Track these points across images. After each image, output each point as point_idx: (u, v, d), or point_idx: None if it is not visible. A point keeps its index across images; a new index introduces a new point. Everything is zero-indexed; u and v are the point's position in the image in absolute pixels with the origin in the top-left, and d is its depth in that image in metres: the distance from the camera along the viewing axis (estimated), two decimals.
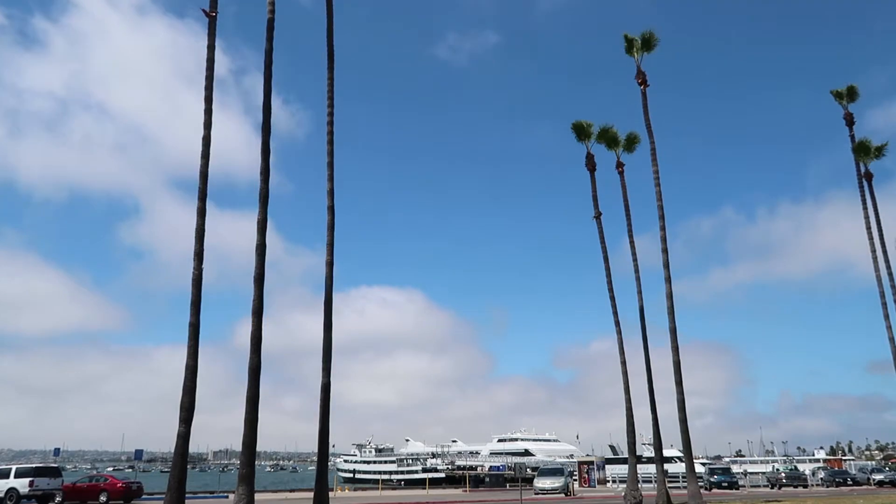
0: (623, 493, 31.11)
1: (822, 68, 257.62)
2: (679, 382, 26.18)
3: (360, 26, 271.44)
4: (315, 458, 23.60)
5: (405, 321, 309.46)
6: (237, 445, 21.57)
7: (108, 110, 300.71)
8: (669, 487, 28.16)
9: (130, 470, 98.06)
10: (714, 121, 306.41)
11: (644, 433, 51.31)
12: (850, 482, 55.49)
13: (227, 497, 41.40)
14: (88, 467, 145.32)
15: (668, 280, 27.28)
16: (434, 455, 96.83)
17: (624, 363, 30.18)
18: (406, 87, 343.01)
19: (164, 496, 18.13)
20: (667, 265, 27.40)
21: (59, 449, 55.80)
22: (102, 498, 32.06)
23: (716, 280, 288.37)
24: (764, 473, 61.26)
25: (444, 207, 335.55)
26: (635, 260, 30.92)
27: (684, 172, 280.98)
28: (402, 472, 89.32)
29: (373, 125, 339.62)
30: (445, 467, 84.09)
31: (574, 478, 53.81)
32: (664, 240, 27.78)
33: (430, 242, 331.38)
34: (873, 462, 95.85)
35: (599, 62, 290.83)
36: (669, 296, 27.09)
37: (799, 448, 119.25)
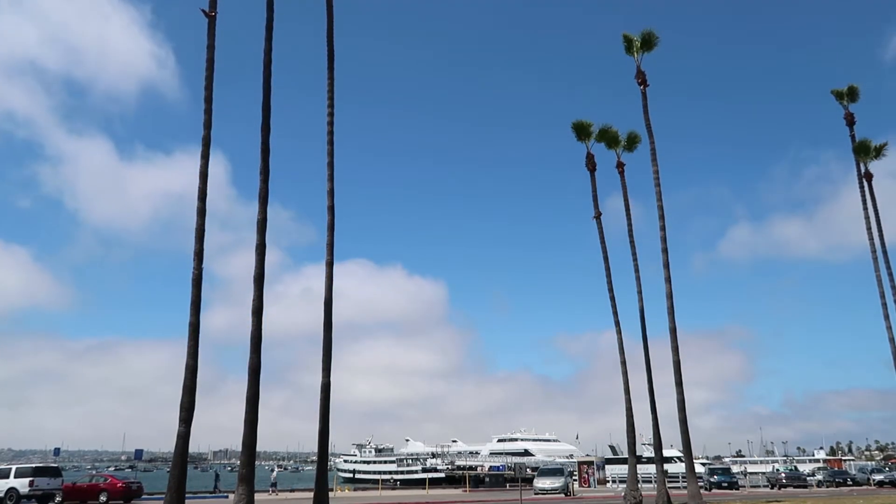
0: (623, 494, 31.11)
1: (824, 68, 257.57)
2: (679, 383, 26.19)
3: (361, 33, 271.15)
4: (315, 459, 23.60)
5: (400, 310, 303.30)
6: (237, 445, 21.58)
7: None
8: (669, 487, 28.17)
9: (130, 470, 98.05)
10: (714, 120, 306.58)
11: (644, 433, 51.34)
12: (850, 482, 55.53)
13: (227, 497, 41.42)
14: (88, 467, 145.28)
15: (669, 280, 27.29)
16: (434, 455, 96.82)
17: (624, 363, 30.20)
18: (405, 90, 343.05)
19: (164, 496, 18.13)
20: (667, 265, 27.41)
21: (59, 449, 55.88)
22: (102, 498, 32.04)
23: (721, 265, 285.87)
24: (764, 474, 61.27)
25: (443, 204, 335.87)
26: (635, 260, 30.99)
27: (684, 169, 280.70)
28: (401, 473, 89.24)
29: (372, 124, 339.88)
30: (445, 467, 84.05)
31: (574, 478, 53.80)
32: (664, 240, 27.80)
33: (424, 232, 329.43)
34: (873, 462, 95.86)
35: (599, 62, 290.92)
36: (669, 296, 27.11)
37: (799, 448, 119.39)
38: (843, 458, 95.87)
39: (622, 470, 50.10)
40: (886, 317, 33.71)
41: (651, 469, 44.72)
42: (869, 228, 35.02)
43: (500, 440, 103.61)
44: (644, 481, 42.00)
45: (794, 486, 51.98)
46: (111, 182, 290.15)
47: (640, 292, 30.18)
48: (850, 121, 36.89)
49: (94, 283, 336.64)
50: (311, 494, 20.97)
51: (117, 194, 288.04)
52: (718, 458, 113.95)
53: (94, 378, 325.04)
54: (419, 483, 75.40)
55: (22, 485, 30.72)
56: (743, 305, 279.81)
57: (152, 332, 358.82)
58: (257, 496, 19.63)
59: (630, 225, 31.10)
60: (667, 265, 27.41)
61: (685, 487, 28.34)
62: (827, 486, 52.91)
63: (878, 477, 54.88)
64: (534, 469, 52.53)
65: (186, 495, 18.53)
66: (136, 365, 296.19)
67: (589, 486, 56.81)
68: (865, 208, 35.28)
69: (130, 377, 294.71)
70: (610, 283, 31.15)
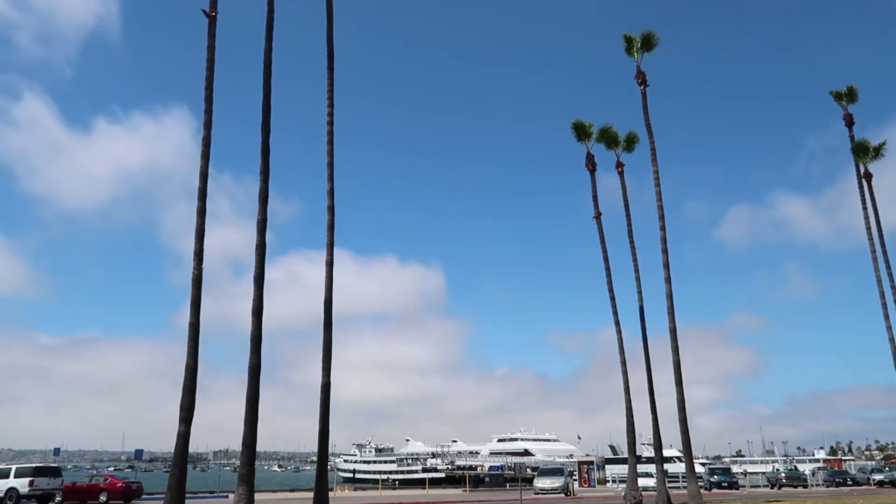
0: (623, 493, 31.12)
1: (824, 67, 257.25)
2: (679, 382, 26.18)
3: (358, 31, 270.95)
4: (315, 459, 23.60)
5: (396, 301, 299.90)
6: (236, 445, 21.61)
7: None
8: (669, 487, 28.18)
9: (130, 470, 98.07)
10: (714, 120, 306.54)
11: (644, 433, 51.38)
12: (850, 482, 55.53)
13: (227, 497, 41.41)
14: (88, 467, 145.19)
15: (668, 280, 27.29)
16: (434, 455, 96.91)
17: (624, 363, 30.19)
18: (407, 89, 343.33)
19: (164, 496, 18.13)
20: (667, 265, 27.41)
21: (59, 449, 55.79)
22: (102, 498, 32.05)
23: (719, 251, 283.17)
24: (764, 473, 61.35)
25: (442, 202, 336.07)
26: (635, 260, 30.98)
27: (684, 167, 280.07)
28: (402, 472, 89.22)
29: (371, 121, 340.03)
30: (445, 467, 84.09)
31: (574, 478, 53.81)
32: (664, 240, 27.80)
33: (422, 229, 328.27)
34: (873, 462, 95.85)
35: (599, 62, 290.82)
36: (669, 296, 27.11)
37: (799, 448, 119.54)
38: (843, 458, 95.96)
39: (622, 470, 50.12)
40: (886, 317, 33.73)
41: (651, 469, 44.69)
42: (868, 228, 35.04)
43: (500, 440, 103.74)
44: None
45: (794, 486, 52.01)
46: (61, 151, 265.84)
47: (640, 292, 30.23)
48: (850, 121, 36.92)
49: (59, 271, 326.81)
50: (311, 494, 20.97)
51: (68, 165, 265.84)
52: (718, 457, 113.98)
53: (77, 375, 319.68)
54: (419, 483, 75.42)
55: (22, 485, 30.71)
56: (744, 295, 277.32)
57: (128, 327, 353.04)
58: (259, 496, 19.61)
59: (630, 225, 31.12)
60: (667, 265, 27.40)
61: (685, 487, 28.34)
62: (827, 486, 52.91)
63: (878, 477, 54.88)
64: (534, 469, 52.57)
65: (186, 495, 18.52)
66: (119, 363, 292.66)
67: (589, 486, 56.83)
68: (865, 208, 35.28)
69: (116, 375, 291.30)
70: (610, 283, 31.17)
